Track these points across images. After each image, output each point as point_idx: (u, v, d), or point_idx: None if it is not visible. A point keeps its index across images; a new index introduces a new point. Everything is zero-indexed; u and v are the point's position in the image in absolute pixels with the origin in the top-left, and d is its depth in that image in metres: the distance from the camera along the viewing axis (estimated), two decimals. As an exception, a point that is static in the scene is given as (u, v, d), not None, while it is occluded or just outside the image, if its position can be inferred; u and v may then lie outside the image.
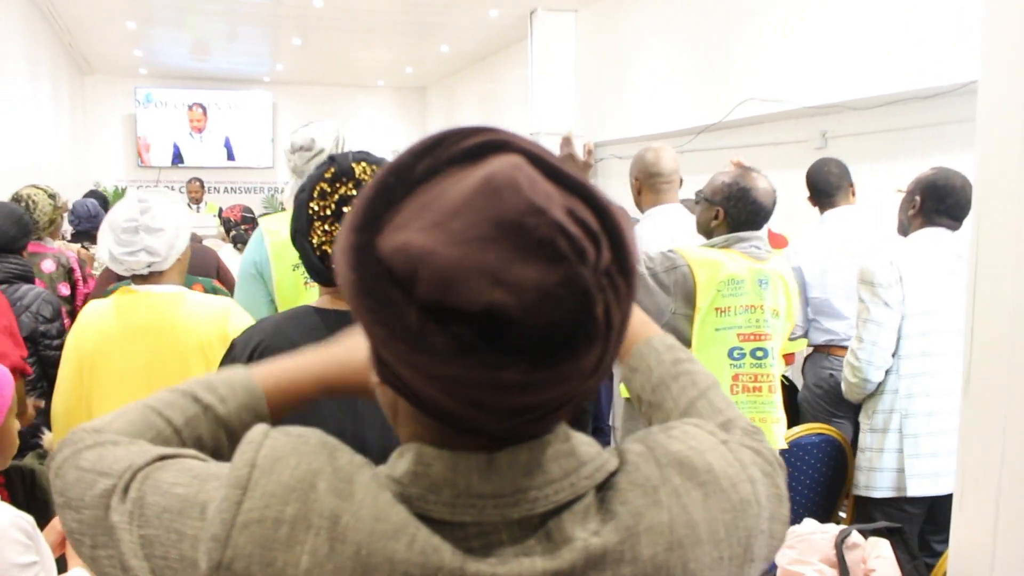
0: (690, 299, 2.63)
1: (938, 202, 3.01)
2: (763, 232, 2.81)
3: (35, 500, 2.27)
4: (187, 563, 0.71)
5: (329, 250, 1.58)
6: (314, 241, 1.59)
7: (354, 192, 1.57)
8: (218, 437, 0.90)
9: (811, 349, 3.75)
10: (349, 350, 1.00)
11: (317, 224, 1.59)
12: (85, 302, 3.34)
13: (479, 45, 10.79)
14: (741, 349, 2.68)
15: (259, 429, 0.77)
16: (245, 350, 1.57)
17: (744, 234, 2.76)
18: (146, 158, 13.05)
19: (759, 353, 2.69)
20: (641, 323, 1.07)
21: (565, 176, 0.67)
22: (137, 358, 2.26)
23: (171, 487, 0.75)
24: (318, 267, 1.62)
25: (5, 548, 1.52)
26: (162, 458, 0.79)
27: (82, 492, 0.79)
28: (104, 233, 2.31)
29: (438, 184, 0.65)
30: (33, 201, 4.03)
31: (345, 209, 1.57)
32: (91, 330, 2.30)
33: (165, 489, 0.75)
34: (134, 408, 0.89)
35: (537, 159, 0.67)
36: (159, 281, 2.36)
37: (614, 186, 8.37)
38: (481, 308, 0.61)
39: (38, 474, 2.63)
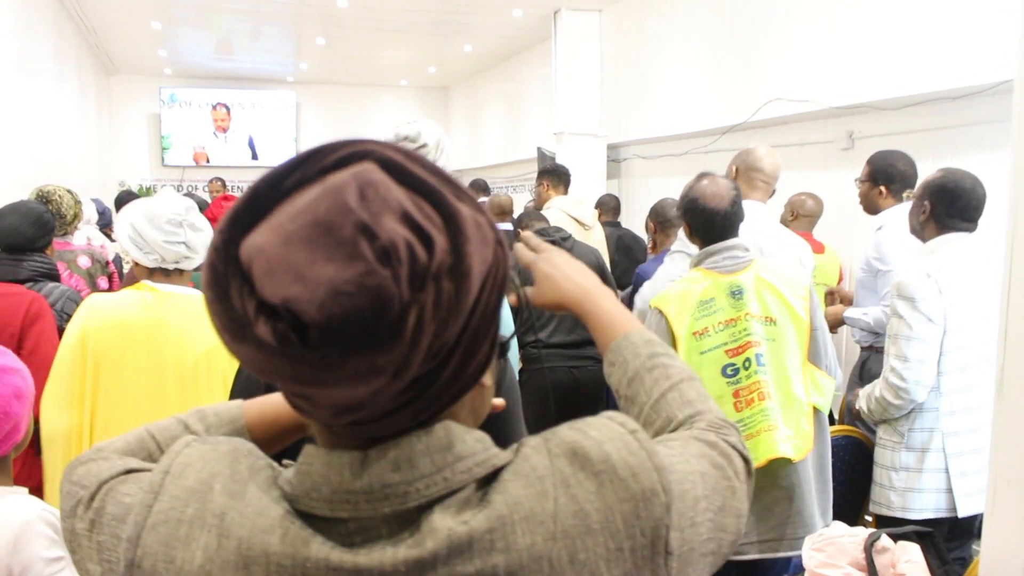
0: (673, 339, 2.61)
1: (949, 205, 2.92)
2: (737, 240, 2.71)
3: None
4: (116, 566, 0.77)
5: None
6: None
7: None
8: None
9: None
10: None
11: None
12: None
13: (503, 45, 10.79)
14: (733, 365, 2.59)
15: (183, 440, 0.82)
16: None
17: (714, 247, 2.68)
18: (172, 157, 13.16)
19: (747, 363, 2.58)
20: (623, 319, 1.08)
21: (417, 180, 0.69)
22: (156, 354, 2.25)
23: (123, 496, 0.81)
24: None
25: (33, 541, 1.53)
26: (127, 471, 0.84)
27: (66, 504, 0.86)
28: (141, 223, 2.29)
29: (300, 193, 0.68)
30: (59, 196, 4.07)
31: None
32: (105, 321, 2.26)
33: (119, 499, 0.81)
34: (136, 431, 0.97)
35: (392, 165, 0.70)
36: (178, 282, 2.37)
37: (636, 185, 8.34)
38: (280, 301, 0.64)
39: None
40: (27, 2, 6.65)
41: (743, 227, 2.76)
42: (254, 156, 13.56)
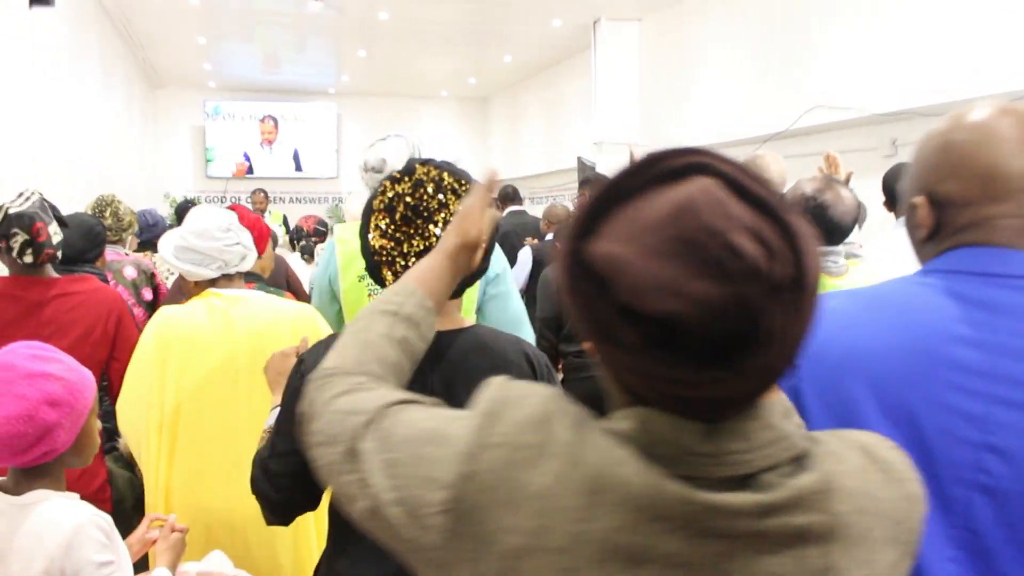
0: None
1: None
2: (841, 247, 2.71)
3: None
4: (426, 481, 0.85)
5: (378, 246, 1.59)
6: (370, 238, 1.61)
7: (410, 191, 1.59)
8: (409, 330, 1.16)
9: None
10: (445, 241, 1.32)
11: (374, 218, 1.60)
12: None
13: (542, 55, 10.82)
14: None
15: (500, 378, 0.92)
16: (315, 362, 1.61)
17: (825, 248, 2.66)
18: (215, 169, 13.37)
19: None
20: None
21: (757, 197, 0.75)
22: (229, 356, 2.30)
23: (418, 422, 0.91)
24: (370, 264, 1.63)
25: (84, 545, 1.56)
26: (406, 402, 0.96)
27: (339, 430, 0.95)
28: (193, 241, 2.34)
29: (642, 200, 0.77)
30: (116, 205, 4.17)
31: (397, 205, 1.58)
32: (181, 328, 2.31)
33: (412, 423, 0.91)
34: (344, 342, 1.12)
35: (732, 181, 0.76)
36: (239, 285, 2.42)
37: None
38: (662, 314, 0.71)
39: (114, 476, 2.70)
40: (78, 17, 6.79)
41: None
42: (298, 168, 13.72)
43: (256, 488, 1.70)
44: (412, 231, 1.58)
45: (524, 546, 0.79)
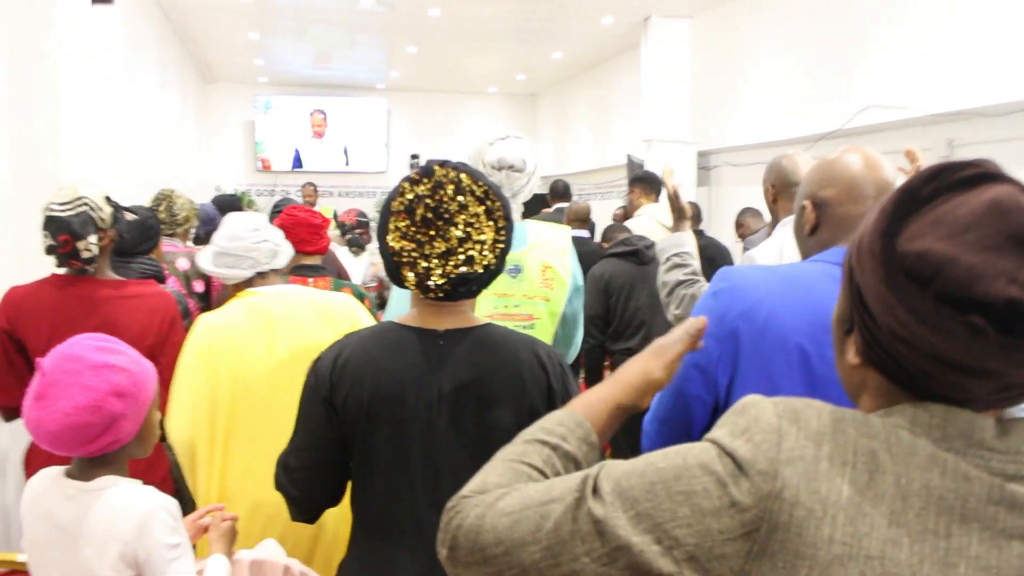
0: None
1: None
2: None
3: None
4: (702, 513, 0.85)
5: (398, 247, 1.60)
6: (389, 238, 1.62)
7: (429, 192, 1.59)
8: (568, 470, 1.05)
9: None
10: (627, 374, 1.22)
11: (392, 219, 1.61)
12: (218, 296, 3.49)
13: (592, 52, 10.79)
14: None
15: (754, 397, 0.92)
16: (329, 361, 1.66)
17: None
18: (268, 164, 13.55)
19: None
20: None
21: None
22: (278, 348, 2.33)
23: (647, 467, 0.90)
24: (389, 264, 1.64)
25: (156, 528, 1.62)
26: (602, 465, 0.94)
27: (534, 526, 0.91)
28: (225, 244, 2.46)
29: (941, 205, 0.84)
30: (173, 198, 4.25)
31: (417, 207, 1.59)
32: (223, 333, 2.35)
33: (641, 471, 0.90)
34: (491, 469, 1.03)
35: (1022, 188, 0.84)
36: (275, 281, 2.49)
37: (727, 193, 8.24)
38: (1003, 301, 0.79)
39: (173, 466, 2.76)
40: (135, 14, 6.92)
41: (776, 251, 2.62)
42: (347, 162, 13.87)
43: (278, 485, 1.73)
44: (433, 233, 1.59)
45: (841, 555, 0.81)
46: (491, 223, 1.62)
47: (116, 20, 6.01)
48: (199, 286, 4.00)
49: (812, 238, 1.64)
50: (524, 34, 9.82)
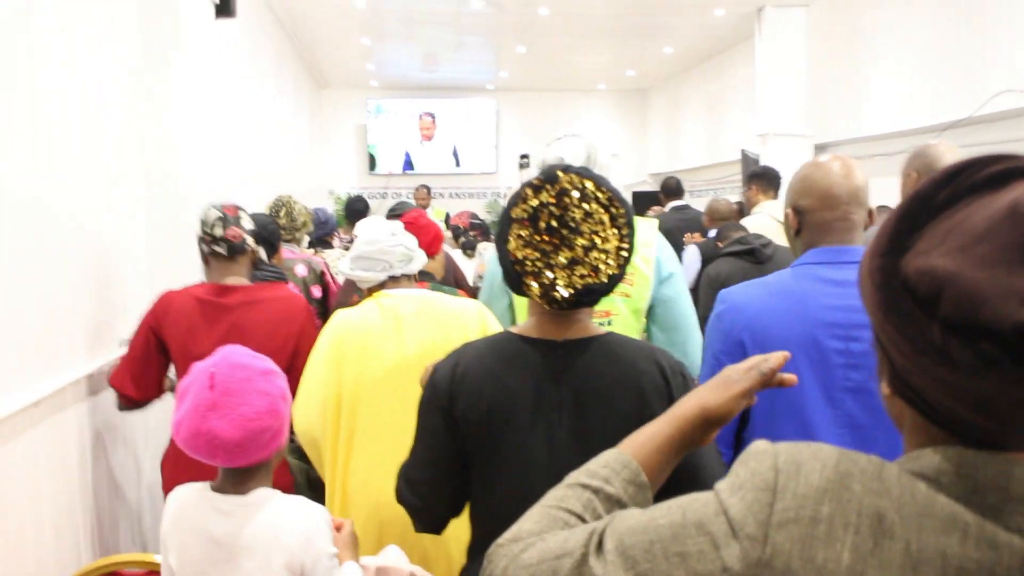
0: None
1: None
2: None
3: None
4: (699, 575, 0.78)
5: (520, 256, 1.57)
6: (510, 246, 1.58)
7: (554, 200, 1.54)
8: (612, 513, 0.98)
9: None
10: (683, 408, 1.14)
11: (514, 227, 1.58)
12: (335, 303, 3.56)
13: (703, 45, 10.61)
14: None
15: (763, 443, 0.83)
16: (447, 372, 1.64)
17: None
18: (378, 166, 13.81)
19: None
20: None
21: None
22: (407, 351, 2.36)
23: (649, 523, 0.83)
24: (510, 273, 1.60)
25: (319, 539, 1.66)
26: (612, 518, 0.88)
27: None
28: (363, 248, 2.50)
29: (960, 211, 0.71)
30: (292, 204, 4.36)
31: (541, 215, 1.55)
32: (355, 331, 2.39)
33: (643, 528, 0.83)
34: (530, 515, 0.99)
35: None
36: (407, 286, 2.53)
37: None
38: (1011, 326, 0.64)
39: (291, 467, 2.82)
40: (255, 23, 7.13)
41: None
42: (456, 163, 14.00)
43: (399, 497, 1.73)
44: (558, 242, 1.54)
45: None
46: (615, 230, 1.57)
47: (237, 32, 6.20)
48: (317, 291, 4.08)
49: (798, 239, 1.94)
50: (634, 29, 9.72)
